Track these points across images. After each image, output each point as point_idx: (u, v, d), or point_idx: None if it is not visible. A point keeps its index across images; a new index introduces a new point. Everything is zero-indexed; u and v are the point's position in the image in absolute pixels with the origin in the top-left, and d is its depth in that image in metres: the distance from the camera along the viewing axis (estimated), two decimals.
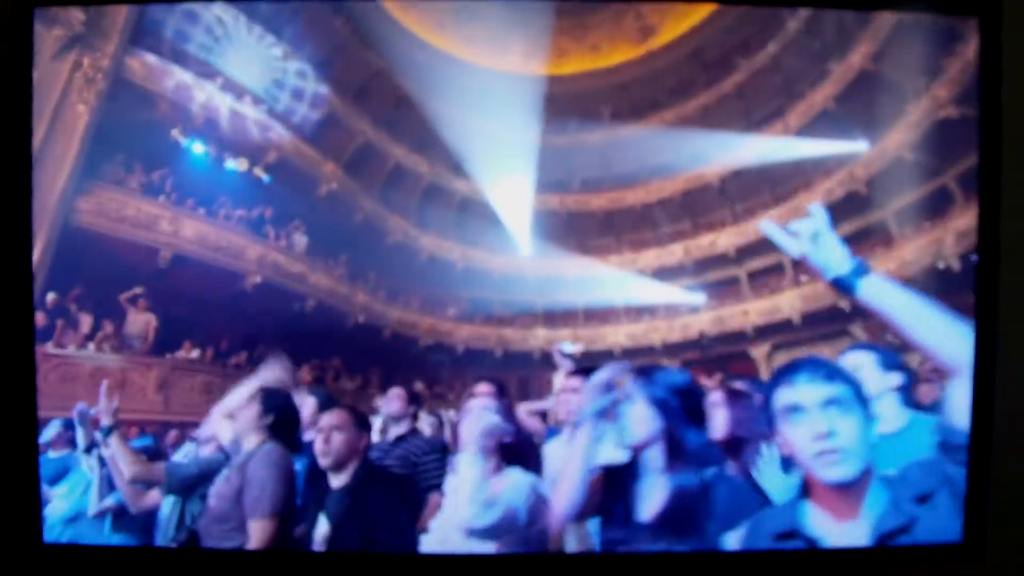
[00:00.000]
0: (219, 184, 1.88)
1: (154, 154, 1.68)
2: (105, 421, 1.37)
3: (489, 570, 1.26)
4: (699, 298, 3.79)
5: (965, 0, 1.37)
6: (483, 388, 1.13)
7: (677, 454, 0.74)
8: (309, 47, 1.93)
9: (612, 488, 0.81)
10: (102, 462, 1.50)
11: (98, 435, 1.47)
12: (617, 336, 3.72)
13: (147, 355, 1.73)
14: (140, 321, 1.95)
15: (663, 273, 3.73)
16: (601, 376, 0.78)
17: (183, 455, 1.56)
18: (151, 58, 1.58)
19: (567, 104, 3.59)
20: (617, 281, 3.63)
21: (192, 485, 1.38)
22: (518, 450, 0.92)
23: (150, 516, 1.49)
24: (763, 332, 3.46)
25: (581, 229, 3.79)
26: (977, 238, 1.37)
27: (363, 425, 1.14)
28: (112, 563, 1.35)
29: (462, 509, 0.92)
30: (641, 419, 0.76)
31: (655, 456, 0.76)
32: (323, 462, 1.09)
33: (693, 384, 0.83)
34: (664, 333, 3.56)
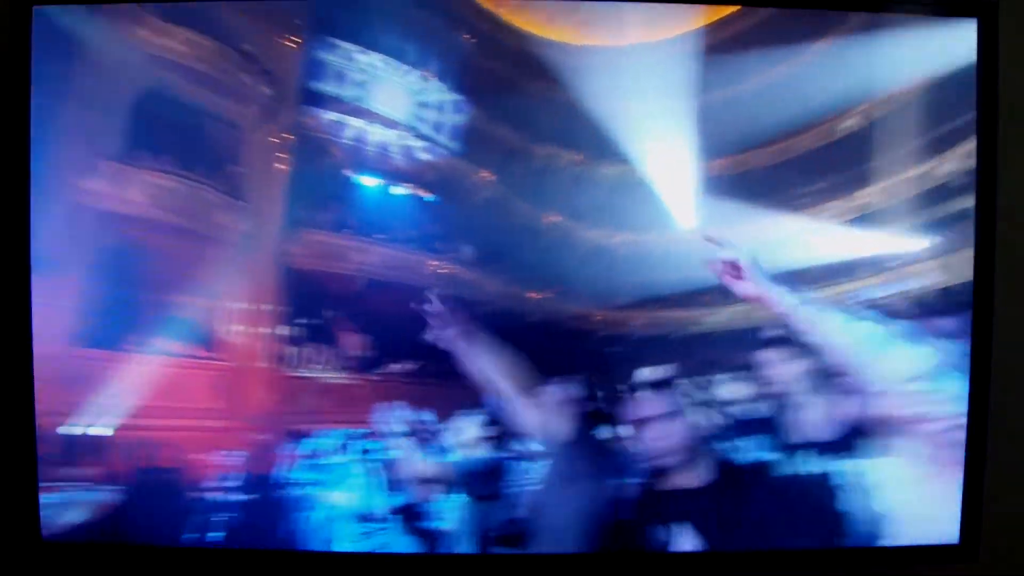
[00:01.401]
0: (391, 209, 2.12)
1: (336, 194, 1.96)
2: (401, 428, 1.49)
3: None
4: (920, 243, 3.17)
5: (964, 2, 1.22)
6: None
7: None
8: (440, 68, 2.11)
9: None
10: (383, 466, 1.70)
11: (392, 439, 1.56)
12: None
13: (362, 372, 1.97)
14: (352, 342, 2.24)
15: (864, 220, 3.20)
16: None
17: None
18: (320, 111, 1.87)
19: (712, 58, 3.33)
20: (804, 239, 3.22)
21: (482, 483, 1.41)
22: None
23: (436, 517, 1.60)
24: None
25: (750, 190, 3.45)
26: (974, 237, 1.24)
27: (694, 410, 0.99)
28: (110, 561, 1.41)
29: None
30: None
31: None
32: (665, 461, 0.97)
33: None
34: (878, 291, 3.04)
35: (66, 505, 1.45)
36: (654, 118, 2.54)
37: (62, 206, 1.52)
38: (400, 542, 1.65)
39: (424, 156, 2.11)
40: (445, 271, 2.27)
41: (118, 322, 1.58)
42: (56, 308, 1.52)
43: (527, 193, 2.74)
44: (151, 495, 1.52)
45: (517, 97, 2.34)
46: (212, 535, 1.55)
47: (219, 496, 1.59)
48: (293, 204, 1.87)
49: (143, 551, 1.42)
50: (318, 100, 1.85)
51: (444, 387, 1.80)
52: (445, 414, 1.77)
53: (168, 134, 1.64)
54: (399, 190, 2.10)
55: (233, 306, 1.73)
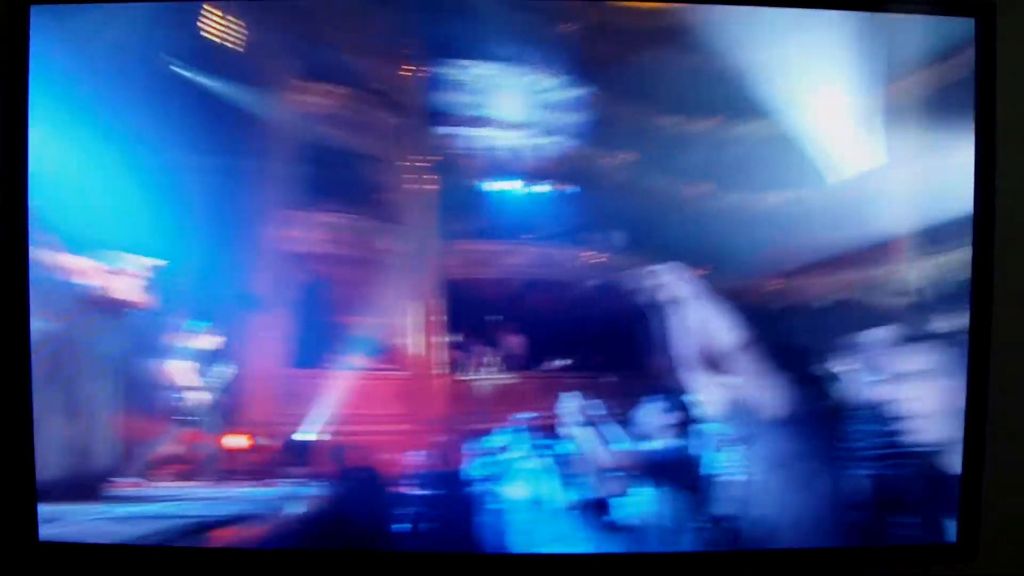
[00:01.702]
0: (535, 208, 2.14)
1: (479, 203, 2.03)
2: (580, 419, 1.51)
3: None
4: None
5: (962, 1, 1.29)
6: None
7: None
8: (556, 62, 2.10)
9: None
10: (564, 460, 1.71)
11: (571, 432, 1.55)
12: None
13: (530, 369, 2.00)
14: (513, 343, 2.29)
15: None
16: None
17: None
18: (450, 128, 1.97)
19: None
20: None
21: (675, 473, 1.40)
22: None
23: (624, 511, 1.58)
24: None
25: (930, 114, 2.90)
26: (972, 239, 1.26)
27: None
28: (107, 561, 1.37)
29: None
30: None
31: None
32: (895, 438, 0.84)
33: None
34: None
35: (287, 499, 1.66)
36: (798, 60, 2.27)
37: (264, 254, 1.79)
38: (585, 538, 1.61)
39: (556, 150, 2.11)
40: (597, 260, 2.23)
41: (316, 345, 1.78)
42: (271, 337, 1.81)
43: (667, 167, 2.60)
44: (354, 491, 1.66)
45: (638, 73, 2.25)
46: (403, 527, 1.66)
47: (409, 492, 1.70)
48: (442, 219, 1.98)
49: (140, 551, 1.40)
50: (447, 119, 1.96)
51: (622, 376, 1.75)
52: (625, 403, 1.72)
53: (329, 178, 1.83)
54: (538, 188, 2.11)
55: (404, 321, 1.86)
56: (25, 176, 1.19)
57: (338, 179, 1.86)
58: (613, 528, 1.62)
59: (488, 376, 2.12)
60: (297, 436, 1.71)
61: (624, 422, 1.69)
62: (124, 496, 1.60)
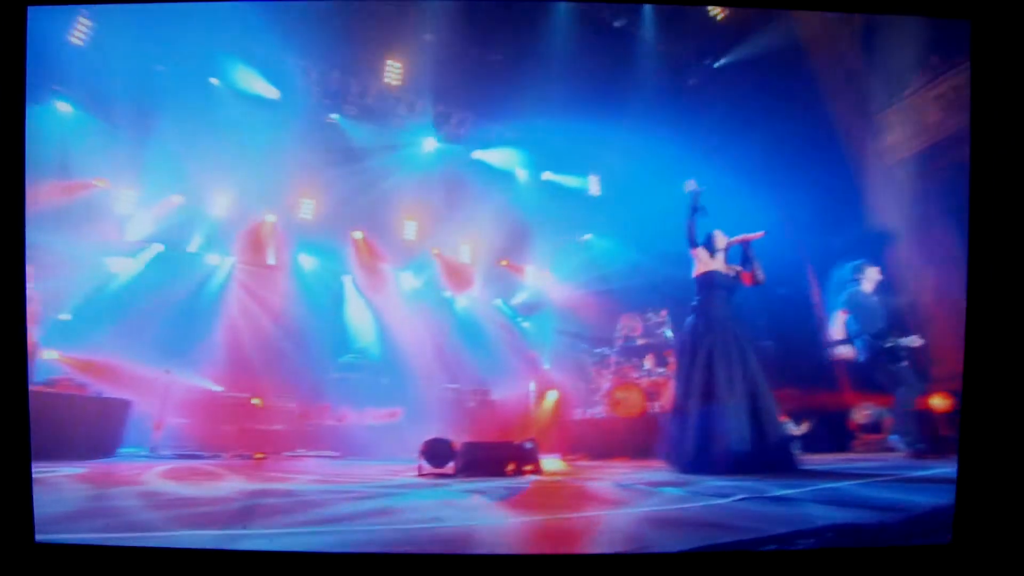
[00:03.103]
0: None
1: None
2: None
3: None
4: None
5: (957, 3, 1.34)
6: None
7: None
8: None
9: None
10: None
11: None
12: None
13: None
14: None
15: None
16: None
17: None
18: None
19: None
20: None
21: None
22: None
23: None
24: None
25: None
26: (967, 240, 1.25)
27: None
28: (104, 562, 1.29)
29: None
30: None
31: None
32: None
33: None
34: None
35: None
36: None
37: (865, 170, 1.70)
38: None
39: None
40: None
41: None
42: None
43: None
44: None
45: None
46: None
47: None
48: None
49: (137, 552, 1.30)
50: None
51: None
52: None
53: None
54: None
55: None
56: (22, 175, 1.18)
57: None
58: None
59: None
60: None
61: None
62: (820, 472, 1.52)
